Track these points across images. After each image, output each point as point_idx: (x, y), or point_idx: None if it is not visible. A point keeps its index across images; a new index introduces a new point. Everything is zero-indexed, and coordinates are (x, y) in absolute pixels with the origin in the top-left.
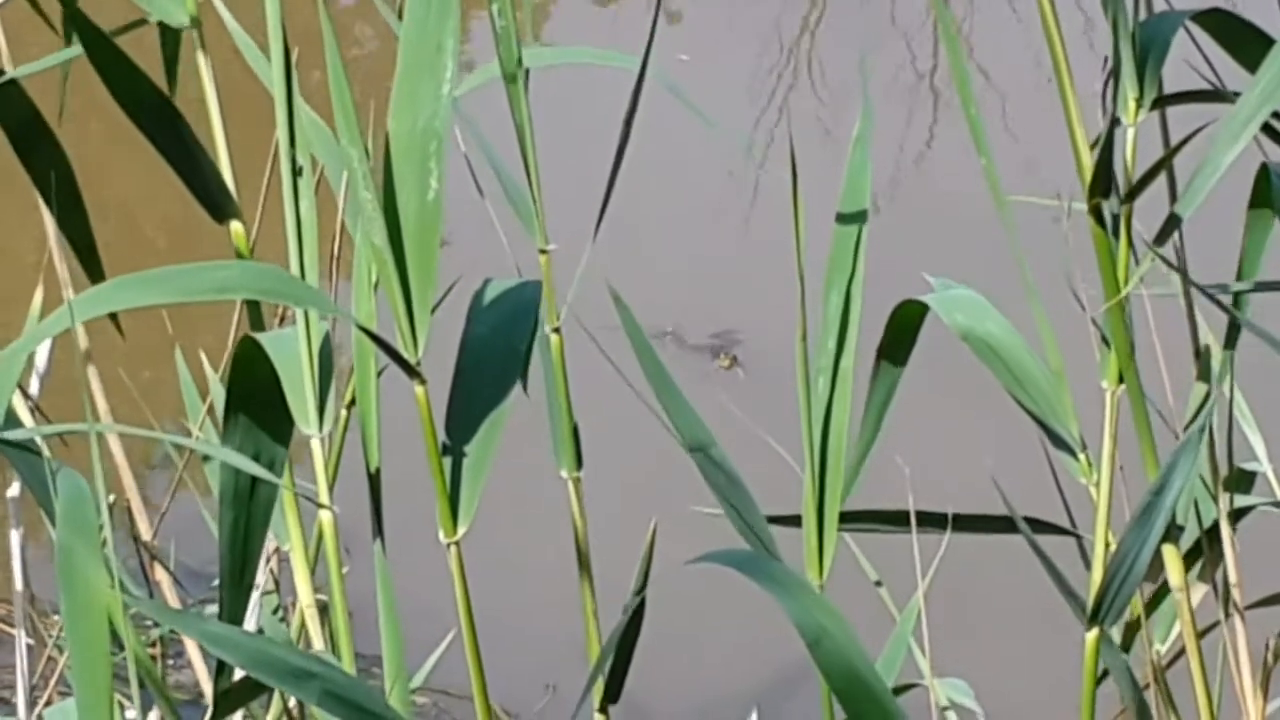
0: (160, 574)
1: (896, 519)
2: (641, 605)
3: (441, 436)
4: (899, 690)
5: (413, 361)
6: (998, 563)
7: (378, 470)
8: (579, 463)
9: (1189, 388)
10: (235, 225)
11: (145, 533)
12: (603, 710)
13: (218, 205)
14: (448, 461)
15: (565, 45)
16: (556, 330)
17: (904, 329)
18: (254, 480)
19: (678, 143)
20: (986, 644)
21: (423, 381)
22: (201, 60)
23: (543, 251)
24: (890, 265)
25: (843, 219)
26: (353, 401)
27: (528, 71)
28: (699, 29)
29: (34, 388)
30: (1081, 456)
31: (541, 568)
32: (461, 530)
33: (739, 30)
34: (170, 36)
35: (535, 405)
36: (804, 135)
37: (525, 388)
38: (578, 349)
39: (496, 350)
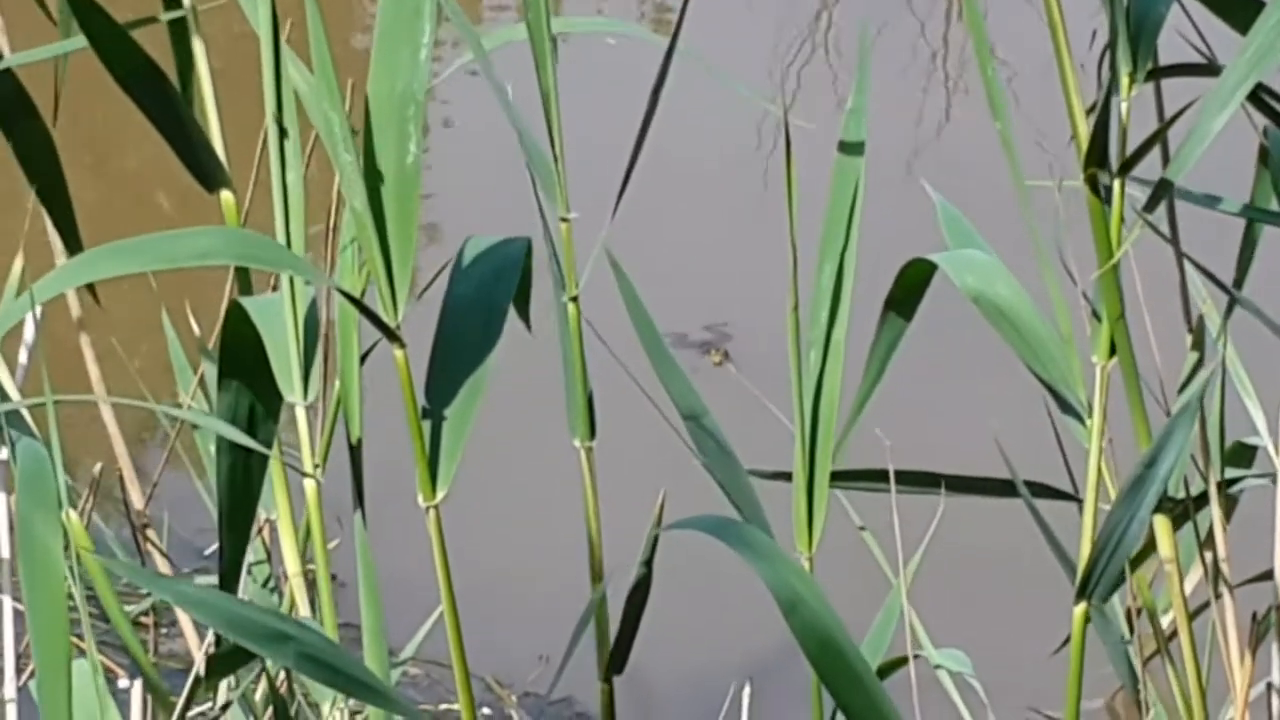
0: (151, 544)
1: (886, 479)
2: (648, 576)
3: (421, 401)
4: (896, 664)
5: (392, 325)
6: (1002, 533)
7: (359, 439)
8: (592, 432)
9: (1181, 367)
10: (225, 195)
11: (138, 502)
12: (606, 680)
13: (209, 174)
14: (427, 425)
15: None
16: (574, 299)
17: (912, 286)
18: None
19: (672, 135)
20: (987, 614)
21: (402, 346)
22: (193, 30)
23: (564, 219)
24: (901, 235)
25: (837, 191)
26: None
27: (555, 39)
28: (716, 6)
29: (22, 357)
30: (1089, 422)
31: (539, 538)
32: (440, 494)
33: (756, 10)
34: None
35: (543, 373)
36: (819, 118)
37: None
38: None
39: (478, 311)
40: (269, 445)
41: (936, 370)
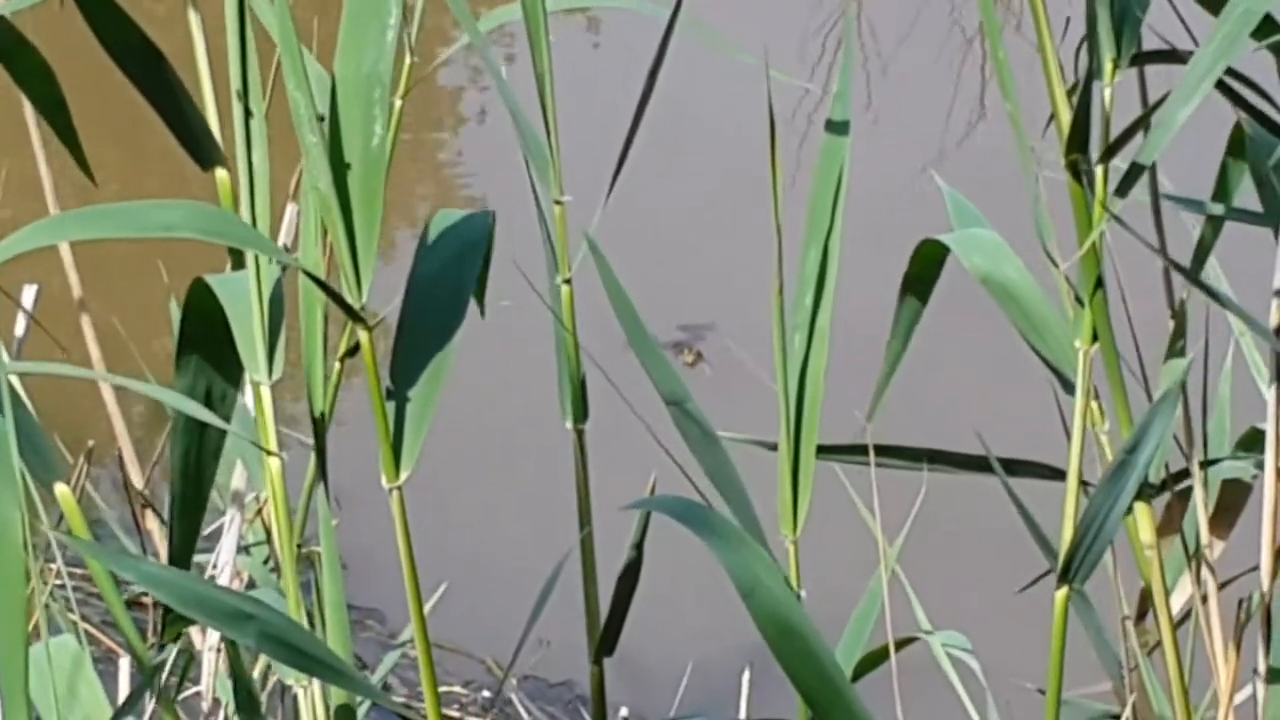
0: (151, 522)
1: (867, 454)
2: (638, 559)
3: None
4: (884, 652)
5: (356, 307)
6: (995, 511)
7: (322, 415)
8: (584, 415)
9: (1162, 356)
10: (220, 172)
11: (137, 481)
12: (597, 662)
13: (202, 152)
14: (392, 407)
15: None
16: (567, 282)
17: (926, 266)
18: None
19: (659, 131)
20: (986, 597)
21: (367, 327)
22: (191, 6)
23: (558, 202)
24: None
25: (821, 175)
26: (348, 353)
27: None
28: None
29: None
30: (1094, 405)
31: (543, 522)
32: (404, 475)
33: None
34: None
35: (536, 362)
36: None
37: (483, 312)
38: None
39: (443, 289)
40: (228, 422)
41: (949, 347)
